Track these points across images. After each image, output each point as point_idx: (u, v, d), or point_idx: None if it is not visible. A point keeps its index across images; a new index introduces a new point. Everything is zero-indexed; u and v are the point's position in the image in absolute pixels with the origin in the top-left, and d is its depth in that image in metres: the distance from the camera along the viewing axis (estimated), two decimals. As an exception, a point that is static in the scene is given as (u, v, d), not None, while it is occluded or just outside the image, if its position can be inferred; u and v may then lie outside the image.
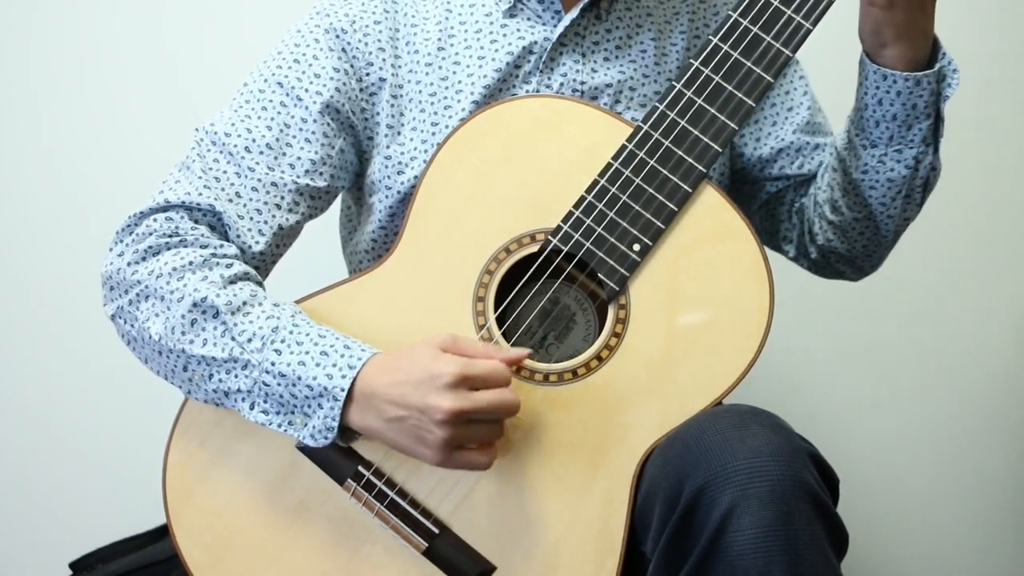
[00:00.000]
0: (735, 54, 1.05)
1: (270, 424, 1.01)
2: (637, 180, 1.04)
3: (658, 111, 1.05)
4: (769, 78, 1.04)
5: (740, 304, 1.03)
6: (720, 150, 1.04)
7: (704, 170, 1.04)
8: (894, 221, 1.18)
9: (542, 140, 1.08)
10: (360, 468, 1.04)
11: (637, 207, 1.04)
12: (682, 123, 1.05)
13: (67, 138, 1.72)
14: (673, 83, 1.05)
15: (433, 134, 1.15)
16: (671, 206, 1.04)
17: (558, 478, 1.03)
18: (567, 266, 1.06)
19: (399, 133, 1.16)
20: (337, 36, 1.15)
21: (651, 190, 1.04)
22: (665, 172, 1.04)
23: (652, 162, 1.04)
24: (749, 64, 1.04)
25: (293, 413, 1.01)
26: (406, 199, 1.15)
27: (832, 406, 1.85)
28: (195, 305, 1.02)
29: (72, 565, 1.26)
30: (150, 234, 1.06)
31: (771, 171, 1.25)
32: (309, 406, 1.00)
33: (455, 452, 0.98)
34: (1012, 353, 1.86)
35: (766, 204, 1.29)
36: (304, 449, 1.05)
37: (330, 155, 1.14)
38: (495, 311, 1.06)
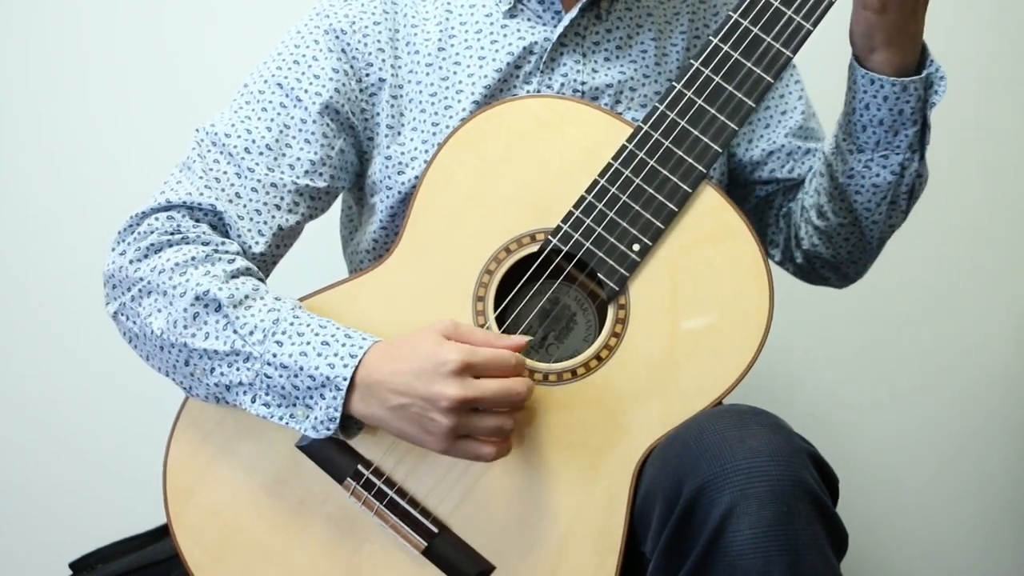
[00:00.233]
0: (735, 54, 1.05)
1: (271, 417, 1.01)
2: (637, 180, 1.05)
3: (658, 111, 1.05)
4: (769, 79, 1.04)
5: (740, 304, 1.03)
6: (720, 150, 1.04)
7: (704, 170, 1.04)
8: (879, 227, 1.19)
9: (543, 140, 1.08)
10: (359, 467, 1.04)
11: (637, 207, 1.04)
12: (682, 123, 1.05)
13: (67, 138, 1.72)
14: (673, 83, 1.05)
15: (433, 134, 1.15)
16: (671, 206, 1.04)
17: (558, 478, 1.03)
18: (567, 266, 1.06)
19: (399, 133, 1.16)
20: (337, 37, 1.15)
21: (651, 190, 1.04)
22: (665, 172, 1.04)
23: (652, 162, 1.04)
24: (749, 65, 1.04)
25: (295, 405, 1.01)
26: (407, 199, 1.15)
27: (832, 406, 1.85)
28: (197, 299, 1.02)
29: (72, 565, 1.26)
30: (152, 232, 1.06)
31: (761, 174, 1.26)
32: (311, 397, 1.00)
33: (459, 441, 0.97)
34: (1012, 353, 1.86)
35: (755, 208, 1.29)
36: (304, 448, 1.05)
37: (330, 156, 1.14)
38: (495, 311, 1.06)
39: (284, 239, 1.13)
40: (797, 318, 1.76)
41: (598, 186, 1.05)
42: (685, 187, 1.04)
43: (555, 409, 1.04)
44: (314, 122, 1.13)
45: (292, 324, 1.01)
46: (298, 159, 1.12)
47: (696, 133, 1.04)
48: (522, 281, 1.07)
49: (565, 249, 1.05)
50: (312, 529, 1.05)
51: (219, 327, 1.02)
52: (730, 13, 1.05)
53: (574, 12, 1.16)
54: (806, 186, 1.22)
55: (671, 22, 1.22)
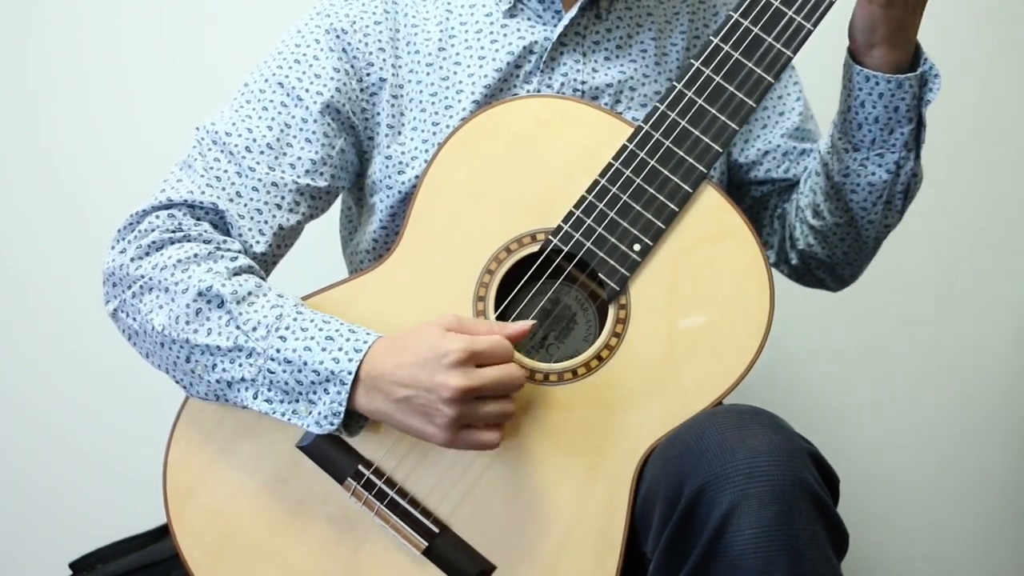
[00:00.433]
0: (736, 54, 1.05)
1: (274, 413, 1.01)
2: (638, 180, 1.05)
3: (659, 111, 1.05)
4: (770, 79, 1.04)
5: (741, 304, 1.03)
6: (721, 150, 1.04)
7: (705, 170, 1.04)
8: (875, 227, 1.19)
9: (543, 140, 1.08)
10: (360, 467, 1.04)
11: (638, 207, 1.04)
12: (683, 123, 1.05)
13: (67, 138, 1.72)
14: (674, 83, 1.05)
15: (434, 134, 1.15)
16: (672, 206, 1.04)
17: (558, 478, 1.03)
18: (568, 266, 1.06)
19: (400, 133, 1.16)
20: (337, 36, 1.15)
21: (652, 190, 1.04)
22: (666, 172, 1.04)
23: (653, 162, 1.04)
24: (750, 64, 1.04)
25: (298, 401, 1.00)
26: (407, 199, 1.15)
27: (832, 406, 1.85)
28: (200, 295, 1.02)
29: (72, 565, 1.26)
30: (153, 230, 1.06)
31: (756, 174, 1.26)
32: (315, 392, 0.99)
33: (463, 431, 0.97)
34: (1012, 353, 1.86)
35: (750, 208, 1.29)
36: (304, 448, 1.05)
37: (330, 155, 1.14)
38: (495, 311, 1.06)
39: (285, 239, 1.13)
40: (797, 318, 1.76)
41: (599, 186, 1.05)
42: (686, 187, 1.04)
43: (556, 409, 1.04)
44: (315, 121, 1.13)
45: (296, 320, 1.01)
46: (299, 158, 1.12)
47: (697, 133, 1.04)
48: (523, 281, 1.07)
49: (566, 249, 1.05)
50: (312, 529, 1.05)
51: (222, 323, 1.02)
52: (730, 13, 1.05)
53: (574, 11, 1.16)
54: (801, 185, 1.22)
55: (671, 21, 1.22)
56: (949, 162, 1.72)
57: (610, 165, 1.05)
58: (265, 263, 1.12)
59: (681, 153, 1.04)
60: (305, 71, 1.14)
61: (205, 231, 1.07)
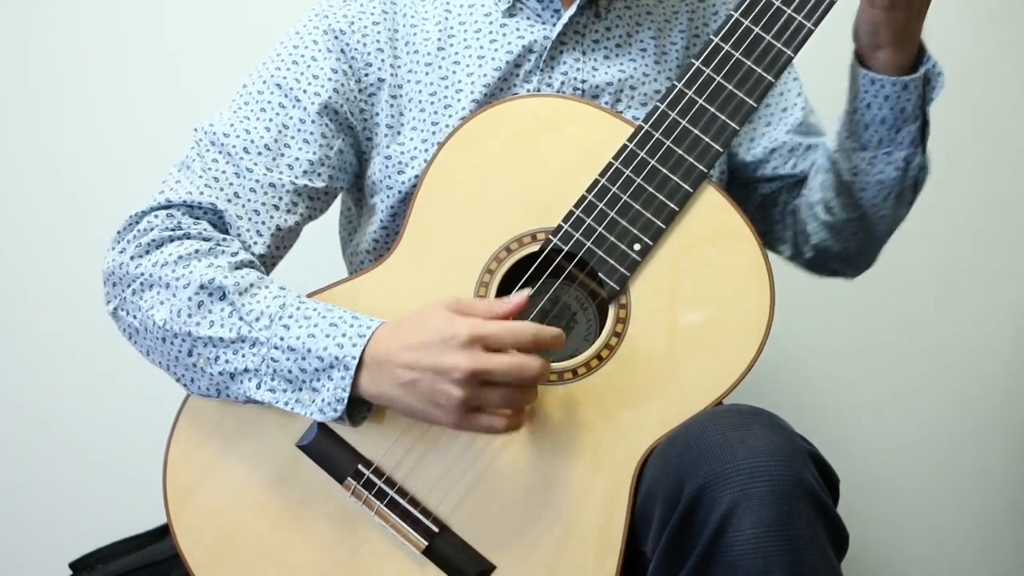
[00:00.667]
0: (736, 54, 1.05)
1: (277, 402, 1.01)
2: (638, 180, 1.05)
3: (659, 111, 1.05)
4: (770, 78, 1.04)
5: (741, 304, 1.03)
6: (721, 150, 1.04)
7: (705, 170, 1.04)
8: (886, 221, 1.19)
9: (543, 139, 1.08)
10: (360, 466, 1.04)
11: (638, 207, 1.04)
12: (683, 123, 1.05)
13: (67, 138, 1.72)
14: (674, 83, 1.05)
15: (433, 133, 1.15)
16: (672, 206, 1.04)
17: (558, 477, 1.03)
18: (568, 265, 1.06)
19: (399, 133, 1.16)
20: (336, 37, 1.15)
21: (652, 190, 1.04)
22: (666, 172, 1.04)
23: (653, 162, 1.04)
24: (750, 64, 1.04)
25: (301, 390, 1.00)
26: (407, 198, 1.15)
27: (832, 406, 1.85)
28: (202, 287, 1.02)
29: (72, 565, 1.26)
30: (152, 229, 1.06)
31: (764, 171, 1.26)
32: (318, 379, 0.99)
33: (470, 414, 0.96)
34: (1012, 353, 1.86)
35: (761, 206, 1.29)
36: (304, 447, 1.05)
37: (328, 156, 1.14)
38: (495, 310, 1.06)
39: (283, 240, 1.13)
40: (797, 318, 1.76)
41: (599, 185, 1.05)
42: (686, 187, 1.04)
43: (556, 408, 1.04)
44: (313, 122, 1.13)
45: (299, 309, 1.01)
46: (296, 159, 1.12)
47: (697, 132, 1.04)
48: (523, 280, 1.07)
49: (566, 248, 1.05)
50: (312, 528, 1.05)
51: (224, 315, 1.02)
52: (731, 12, 1.05)
53: (572, 10, 1.16)
54: (811, 182, 1.22)
55: (670, 20, 1.22)
56: (949, 162, 1.71)
57: (610, 164, 1.05)
58: (264, 264, 1.12)
59: (681, 152, 1.04)
60: (303, 72, 1.14)
61: (204, 229, 1.07)
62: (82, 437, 1.74)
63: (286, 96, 1.13)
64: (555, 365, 1.04)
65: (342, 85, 1.14)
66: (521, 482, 1.03)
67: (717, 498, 0.91)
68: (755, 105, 1.04)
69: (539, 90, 1.16)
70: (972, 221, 1.83)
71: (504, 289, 1.07)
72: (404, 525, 1.03)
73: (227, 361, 1.02)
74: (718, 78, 1.05)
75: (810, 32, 1.04)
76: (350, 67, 1.15)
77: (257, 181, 1.11)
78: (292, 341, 1.00)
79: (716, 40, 1.05)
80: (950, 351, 1.85)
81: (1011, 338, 1.86)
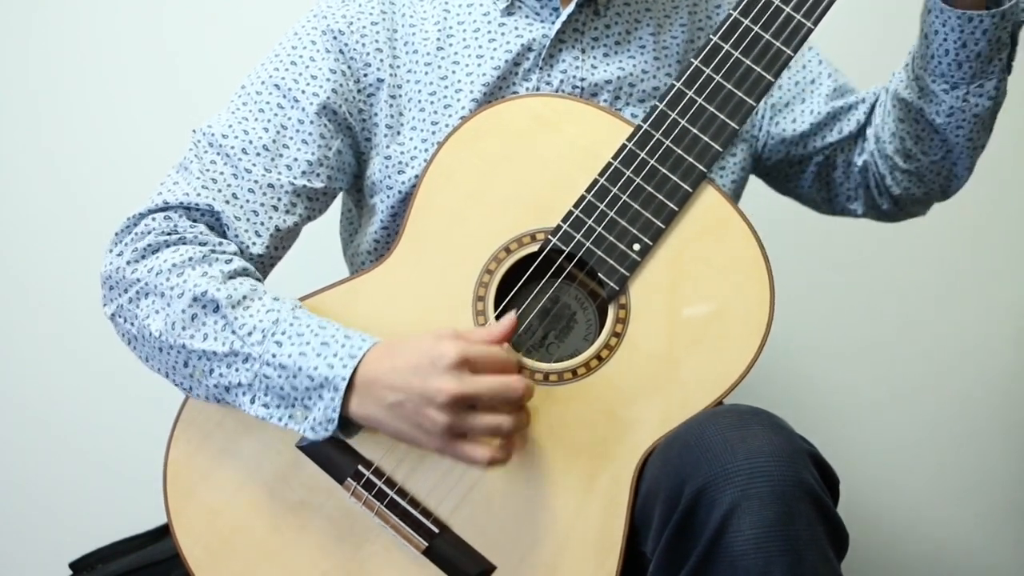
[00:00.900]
0: (736, 53, 1.05)
1: (270, 418, 1.01)
2: (637, 180, 1.04)
3: (658, 110, 1.05)
4: (770, 77, 1.04)
5: (741, 304, 1.03)
6: (721, 149, 1.04)
7: (705, 170, 1.04)
8: (976, 152, 1.21)
9: (542, 139, 1.08)
10: (360, 467, 1.04)
11: (637, 206, 1.04)
12: (682, 123, 1.05)
13: (67, 138, 1.72)
14: (673, 82, 1.05)
15: (433, 133, 1.15)
16: (671, 206, 1.04)
17: (558, 477, 1.03)
18: (567, 265, 1.06)
19: (399, 133, 1.16)
20: (334, 37, 1.15)
21: (651, 189, 1.04)
22: (665, 171, 1.04)
23: (652, 162, 1.04)
24: (749, 63, 1.04)
25: (294, 406, 1.00)
26: (407, 198, 1.15)
27: (832, 406, 1.85)
28: (195, 300, 1.02)
29: (72, 565, 1.26)
30: (148, 233, 1.06)
31: (815, 144, 1.27)
32: (309, 398, 0.99)
33: (455, 440, 0.96)
34: (1012, 353, 1.86)
35: (818, 176, 1.30)
36: (304, 448, 1.05)
37: (327, 156, 1.14)
38: (495, 310, 1.06)
39: (282, 240, 1.13)
40: (797, 318, 1.76)
41: (598, 185, 1.05)
42: (685, 186, 1.04)
43: (556, 408, 1.04)
44: (311, 122, 1.13)
45: (292, 325, 1.01)
46: (295, 160, 1.12)
47: (696, 132, 1.04)
48: (522, 280, 1.07)
49: (566, 249, 1.05)
50: (312, 529, 1.05)
51: (217, 328, 1.02)
52: (730, 11, 1.05)
53: (571, 8, 1.16)
54: (881, 135, 1.23)
55: (670, 16, 1.22)
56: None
57: (609, 164, 1.05)
58: (262, 265, 1.12)
59: (681, 152, 1.04)
60: (301, 72, 1.14)
61: (201, 233, 1.07)
62: (82, 437, 1.74)
63: (284, 97, 1.13)
64: (555, 365, 1.04)
65: (341, 85, 1.14)
66: (521, 482, 1.03)
67: (717, 498, 0.91)
68: (755, 105, 1.04)
69: (538, 88, 1.16)
70: (972, 221, 1.83)
71: (503, 289, 1.07)
72: (404, 526, 1.03)
73: (221, 374, 1.02)
74: (718, 77, 1.05)
75: (810, 31, 1.04)
76: (349, 67, 1.15)
77: (256, 182, 1.11)
78: (283, 359, 0.99)
79: (715, 39, 1.05)
80: (950, 351, 1.85)
81: (1011, 338, 1.86)
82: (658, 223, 1.04)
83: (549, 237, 1.05)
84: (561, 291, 1.10)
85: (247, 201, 1.10)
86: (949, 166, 1.22)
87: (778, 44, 1.04)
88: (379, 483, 1.04)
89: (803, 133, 1.26)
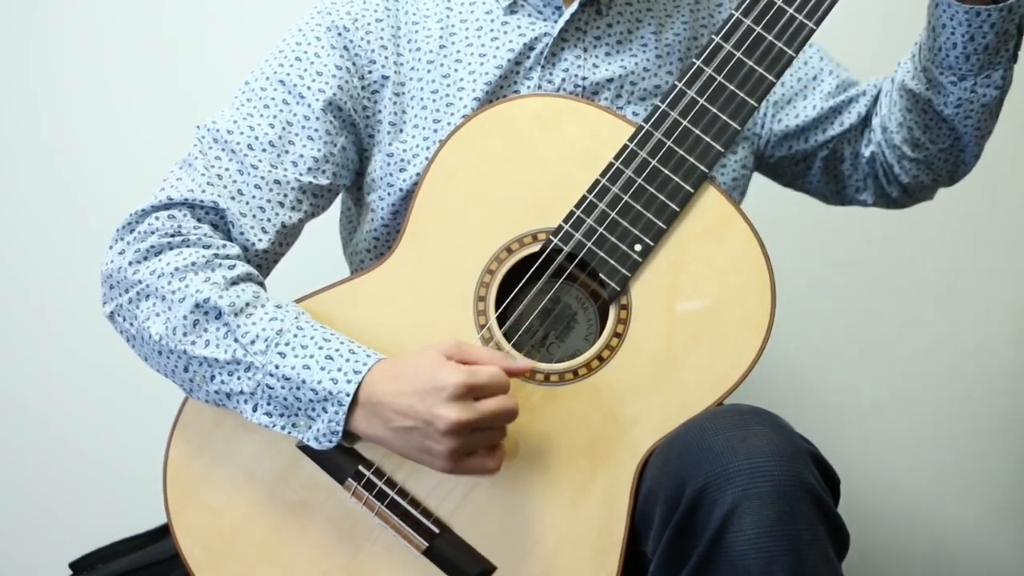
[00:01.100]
0: (737, 54, 1.04)
1: (273, 427, 1.01)
2: (639, 180, 1.04)
3: (659, 110, 1.05)
4: (772, 78, 1.04)
5: (742, 304, 1.03)
6: (723, 150, 1.04)
7: (706, 170, 1.04)
8: (984, 139, 1.22)
9: (543, 139, 1.08)
10: (360, 468, 1.04)
11: (639, 207, 1.04)
12: (684, 123, 1.04)
13: (67, 137, 1.72)
14: (675, 82, 1.05)
15: (435, 131, 1.15)
16: (673, 206, 1.04)
17: (559, 478, 1.03)
18: (569, 266, 1.06)
19: (401, 130, 1.16)
20: (339, 34, 1.15)
21: (653, 190, 1.04)
22: (667, 172, 1.04)
23: (654, 162, 1.04)
24: (751, 63, 1.04)
25: (297, 416, 1.00)
26: (408, 196, 1.15)
27: (832, 406, 1.85)
28: (197, 306, 1.02)
29: (72, 565, 1.26)
30: (152, 233, 1.06)
31: (817, 137, 1.27)
32: (313, 410, 0.99)
33: (463, 459, 0.98)
34: (1012, 353, 1.86)
35: (826, 169, 1.30)
36: (305, 448, 1.05)
37: (332, 152, 1.14)
38: (496, 310, 1.06)
39: (287, 236, 1.13)
40: (798, 318, 1.76)
41: (599, 185, 1.05)
42: (687, 187, 1.04)
43: (556, 409, 1.04)
44: (317, 119, 1.13)
45: (296, 336, 1.01)
46: (301, 156, 1.12)
47: (698, 132, 1.04)
48: (523, 281, 1.07)
49: (567, 249, 1.05)
50: (313, 529, 1.05)
51: (219, 335, 1.01)
52: (732, 11, 1.05)
53: (574, 7, 1.16)
54: (885, 126, 1.23)
55: (672, 15, 1.22)
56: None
57: (611, 165, 1.05)
58: (267, 261, 1.12)
59: (682, 153, 1.04)
60: (307, 69, 1.14)
61: (205, 235, 1.07)
62: (82, 437, 1.74)
63: (290, 93, 1.13)
64: (556, 366, 1.04)
65: (346, 82, 1.14)
66: (522, 483, 1.03)
67: (718, 498, 0.91)
68: (756, 105, 1.04)
69: (540, 87, 1.16)
70: (972, 221, 1.83)
71: (504, 289, 1.06)
72: (405, 526, 1.03)
73: (223, 381, 1.02)
74: (719, 78, 1.05)
75: (811, 32, 1.04)
76: (353, 64, 1.15)
77: (262, 178, 1.11)
78: (287, 370, 0.99)
79: (717, 39, 1.05)
80: (950, 351, 1.85)
81: (1011, 338, 1.86)
82: (659, 223, 1.04)
83: (550, 237, 1.05)
84: (562, 291, 1.10)
85: (253, 197, 1.10)
86: (957, 153, 1.23)
87: (780, 45, 1.04)
88: (380, 483, 1.04)
89: (804, 127, 1.27)
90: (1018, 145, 1.81)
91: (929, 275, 1.84)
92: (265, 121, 1.12)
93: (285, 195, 1.11)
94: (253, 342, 1.01)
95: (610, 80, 1.17)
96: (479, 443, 0.98)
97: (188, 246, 1.06)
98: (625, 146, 1.05)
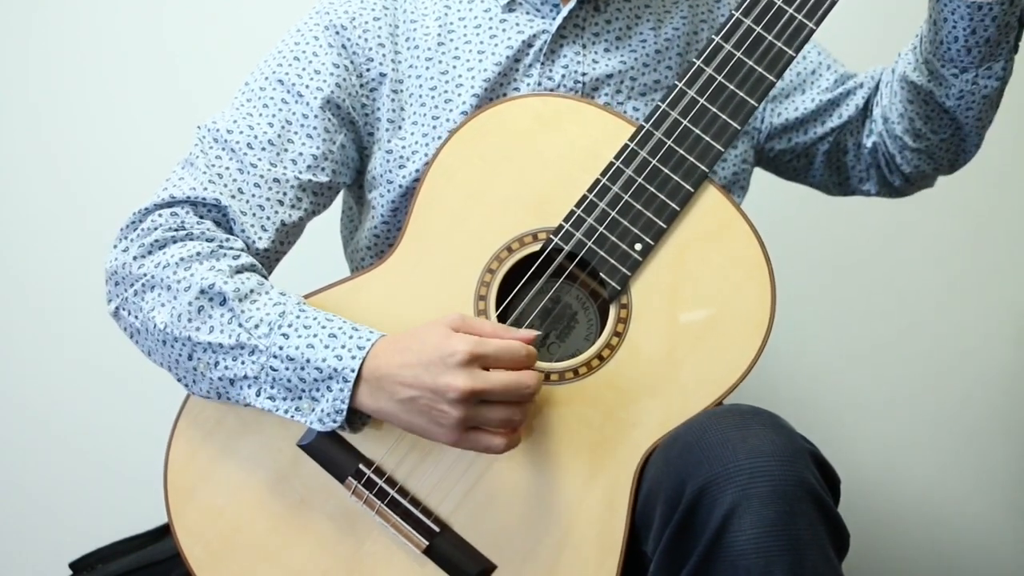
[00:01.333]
0: (737, 53, 1.05)
1: (276, 410, 1.01)
2: (639, 179, 1.05)
3: (660, 110, 1.05)
4: (772, 78, 1.04)
5: (742, 304, 1.03)
6: (723, 150, 1.04)
7: (706, 170, 1.04)
8: (985, 128, 1.22)
9: (544, 139, 1.08)
10: (361, 466, 1.04)
11: (639, 206, 1.04)
12: (684, 123, 1.05)
13: (67, 138, 1.72)
14: (675, 82, 1.05)
15: (434, 128, 1.15)
16: (673, 206, 1.04)
17: (559, 477, 1.03)
18: (569, 265, 1.06)
19: (400, 128, 1.16)
20: (337, 33, 1.15)
21: (653, 189, 1.04)
22: (667, 171, 1.04)
23: (654, 162, 1.04)
24: (751, 63, 1.04)
25: (300, 398, 1.00)
26: (408, 193, 1.15)
27: (833, 406, 1.85)
28: (202, 292, 1.02)
29: (72, 565, 1.26)
30: (155, 228, 1.06)
31: (816, 130, 1.28)
32: (317, 389, 0.99)
33: (469, 432, 0.97)
34: (1012, 353, 1.86)
35: (828, 161, 1.31)
36: (305, 447, 1.05)
37: (331, 150, 1.14)
38: (496, 310, 1.06)
39: (287, 235, 1.13)
40: (798, 318, 1.76)
41: (600, 185, 1.05)
42: (687, 186, 1.04)
43: (556, 408, 1.04)
44: (315, 117, 1.13)
45: (298, 317, 1.01)
46: (300, 154, 1.13)
47: (698, 132, 1.04)
48: (524, 280, 1.07)
49: (567, 248, 1.05)
50: (313, 528, 1.05)
51: (224, 320, 1.02)
52: (732, 11, 1.05)
53: (572, 4, 1.16)
54: (887, 117, 1.23)
55: (670, 10, 1.22)
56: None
57: (611, 164, 1.05)
58: (268, 259, 1.12)
59: (682, 152, 1.04)
60: (305, 67, 1.14)
61: (208, 229, 1.07)
62: (82, 437, 1.74)
63: (288, 92, 1.13)
64: (556, 365, 1.04)
65: (344, 80, 1.15)
66: (522, 482, 1.03)
67: (718, 498, 0.91)
68: (756, 105, 1.04)
69: (540, 83, 1.16)
70: (972, 221, 1.83)
71: (505, 288, 1.07)
72: (405, 525, 1.03)
73: (227, 367, 1.02)
74: (719, 78, 1.05)
75: (811, 32, 1.04)
76: (351, 62, 1.15)
77: (261, 176, 1.11)
78: (291, 351, 0.99)
79: (717, 39, 1.05)
80: (950, 351, 1.85)
81: (1011, 338, 1.86)
82: (660, 223, 1.04)
83: (551, 236, 1.05)
84: (563, 291, 1.10)
85: (253, 195, 1.10)
86: (958, 143, 1.23)
87: (780, 45, 1.04)
88: (380, 482, 1.04)
89: (803, 120, 1.28)
90: (1018, 145, 1.81)
91: (929, 275, 1.84)
92: (264, 120, 1.12)
93: (284, 193, 1.12)
94: (257, 326, 1.01)
95: (610, 76, 1.18)
96: (489, 418, 0.96)
97: (192, 239, 1.06)
98: (625, 145, 1.05)
